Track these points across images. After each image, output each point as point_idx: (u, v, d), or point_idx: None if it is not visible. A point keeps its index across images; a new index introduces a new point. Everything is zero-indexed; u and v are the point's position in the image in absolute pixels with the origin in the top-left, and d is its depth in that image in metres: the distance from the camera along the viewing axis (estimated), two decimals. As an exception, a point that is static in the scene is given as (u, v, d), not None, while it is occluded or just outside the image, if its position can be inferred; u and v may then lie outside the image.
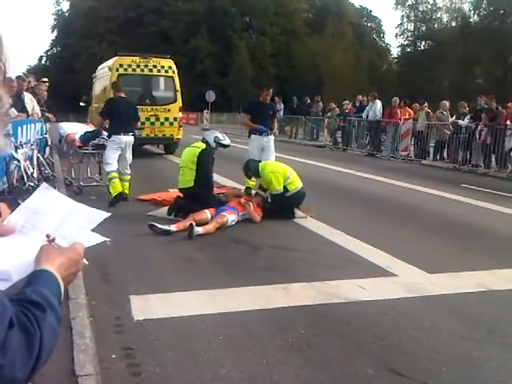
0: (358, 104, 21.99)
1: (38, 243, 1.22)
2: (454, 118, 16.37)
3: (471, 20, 57.09)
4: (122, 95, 9.36)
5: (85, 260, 1.28)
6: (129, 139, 8.95)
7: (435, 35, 59.64)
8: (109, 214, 1.43)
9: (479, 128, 14.83)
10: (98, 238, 1.39)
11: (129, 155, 9.08)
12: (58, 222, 1.33)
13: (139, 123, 9.93)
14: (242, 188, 9.56)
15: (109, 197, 8.58)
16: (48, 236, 1.25)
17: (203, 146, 8.08)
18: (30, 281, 1.11)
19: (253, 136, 9.71)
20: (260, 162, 8.64)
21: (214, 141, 8.22)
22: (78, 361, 3.27)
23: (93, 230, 1.39)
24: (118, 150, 8.86)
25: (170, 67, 16.25)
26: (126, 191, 8.99)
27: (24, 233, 1.30)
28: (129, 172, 9.09)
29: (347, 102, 22.49)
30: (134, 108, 9.40)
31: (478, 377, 3.47)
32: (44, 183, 1.61)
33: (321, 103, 25.99)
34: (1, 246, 1.24)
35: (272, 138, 9.78)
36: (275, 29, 63.34)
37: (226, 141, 8.41)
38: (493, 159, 14.99)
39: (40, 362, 1.00)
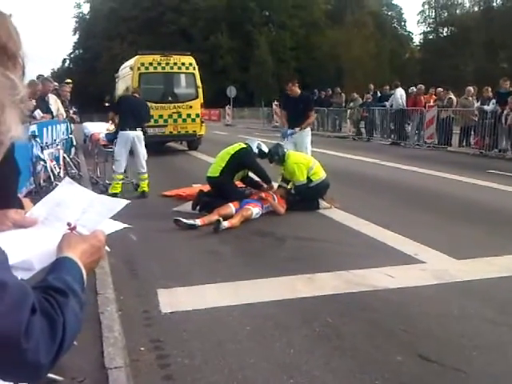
0: (378, 94, 21.78)
1: (60, 233, 1.24)
2: (479, 103, 16.10)
3: (494, 4, 55.96)
4: (135, 95, 9.72)
5: (107, 247, 1.29)
6: (136, 134, 9.06)
7: (457, 21, 58.62)
8: (128, 202, 1.45)
9: (505, 112, 14.55)
10: (119, 225, 1.40)
11: (141, 151, 9.15)
12: (80, 213, 1.35)
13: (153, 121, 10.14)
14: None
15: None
16: (69, 224, 1.26)
17: (245, 146, 8.17)
18: (52, 268, 1.12)
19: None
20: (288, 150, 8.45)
21: (257, 147, 8.28)
22: (108, 354, 3.31)
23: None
24: (126, 145, 9.02)
25: (190, 64, 16.31)
26: (146, 189, 9.06)
27: (46, 224, 1.32)
28: (144, 170, 9.13)
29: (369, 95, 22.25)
30: (145, 107, 9.60)
31: (510, 361, 3.41)
32: (67, 177, 1.63)
33: (343, 94, 25.81)
34: (24, 236, 1.26)
35: (302, 133, 9.33)
36: (295, 21, 63.03)
37: (266, 150, 8.42)
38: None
39: (63, 347, 1.01)
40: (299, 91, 9.48)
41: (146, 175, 9.16)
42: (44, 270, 1.17)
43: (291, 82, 9.47)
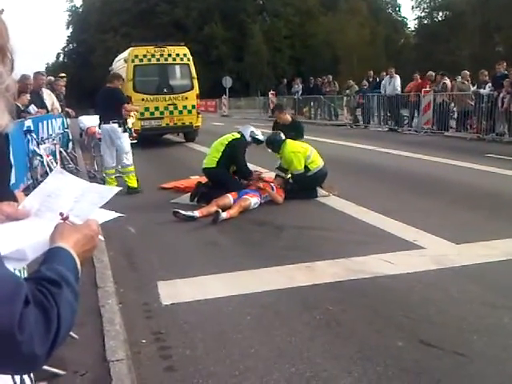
0: (371, 80, 21.75)
1: (52, 224, 1.23)
2: (476, 87, 16.06)
3: (488, -13, 55.67)
4: (108, 85, 9.14)
5: (100, 236, 1.29)
6: (110, 127, 8.76)
7: (452, 5, 58.24)
8: (119, 189, 1.45)
9: (501, 96, 14.52)
10: (112, 214, 1.40)
11: (120, 143, 8.79)
12: (72, 203, 1.34)
13: (132, 107, 9.61)
14: (264, 171, 9.53)
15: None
16: (61, 214, 1.26)
17: (238, 135, 8.18)
18: (45, 259, 1.12)
19: None
20: (284, 133, 8.32)
21: (250, 135, 8.24)
22: (110, 347, 3.31)
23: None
24: (105, 140, 8.93)
25: (185, 55, 16.23)
26: (132, 184, 8.72)
27: (39, 215, 1.32)
28: (128, 163, 8.80)
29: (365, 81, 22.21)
30: (113, 94, 8.96)
31: (511, 344, 3.42)
32: (57, 167, 1.62)
33: (336, 83, 25.67)
34: (16, 228, 1.25)
35: None
36: (289, 10, 62.73)
37: (261, 136, 8.40)
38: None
39: (59, 338, 1.01)
40: (290, 118, 9.29)
41: (130, 168, 8.80)
42: (37, 260, 1.16)
43: (278, 111, 9.23)
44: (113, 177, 9.05)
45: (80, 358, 3.20)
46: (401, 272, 4.72)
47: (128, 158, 8.81)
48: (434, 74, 18.39)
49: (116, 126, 8.76)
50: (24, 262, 1.16)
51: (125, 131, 8.87)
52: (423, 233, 5.88)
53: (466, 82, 16.73)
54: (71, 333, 3.16)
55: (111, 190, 1.39)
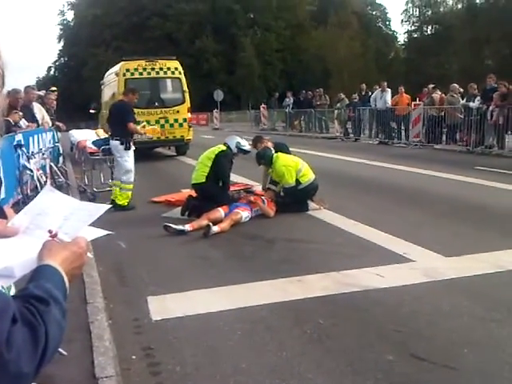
0: (363, 94, 21.90)
1: (41, 241, 1.23)
2: (465, 100, 16.21)
3: (477, 1, 56.33)
4: (121, 98, 9.16)
5: (89, 254, 1.29)
6: (113, 143, 8.67)
7: (441, 19, 58.90)
8: (109, 207, 1.44)
9: (490, 109, 14.65)
10: (101, 232, 1.40)
11: (120, 161, 8.62)
12: (61, 220, 1.34)
13: (137, 130, 8.91)
14: (254, 184, 9.55)
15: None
16: (50, 231, 1.26)
17: (224, 147, 8.12)
18: (33, 276, 1.12)
19: None
20: (276, 152, 8.30)
21: (236, 146, 8.22)
22: (99, 363, 3.29)
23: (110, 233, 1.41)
24: (114, 155, 8.84)
25: (176, 68, 16.27)
26: (121, 202, 8.51)
27: (28, 233, 1.32)
28: (127, 180, 8.57)
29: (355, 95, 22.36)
30: (120, 109, 8.80)
31: (501, 357, 3.43)
32: (47, 185, 1.63)
33: (327, 96, 25.80)
34: (5, 245, 1.25)
35: None
36: (280, 23, 63.19)
37: (247, 147, 8.38)
38: (506, 139, 14.82)
39: (47, 355, 1.01)
40: (271, 144, 8.79)
41: (127, 186, 8.59)
42: (25, 277, 1.16)
43: (258, 142, 8.76)
44: (127, 193, 8.69)
45: (69, 374, 3.17)
46: (391, 285, 4.73)
47: (129, 177, 8.58)
48: (426, 88, 18.63)
49: (118, 143, 8.59)
50: (11, 280, 1.16)
51: (128, 149, 8.57)
52: (413, 246, 5.90)
53: (455, 96, 16.87)
54: (60, 349, 3.13)
55: (100, 208, 1.39)
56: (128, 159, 8.61)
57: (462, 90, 17.40)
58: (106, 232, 1.42)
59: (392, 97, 19.66)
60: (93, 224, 1.37)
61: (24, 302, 1.02)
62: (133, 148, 8.72)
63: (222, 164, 7.97)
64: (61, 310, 1.08)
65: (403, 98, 19.10)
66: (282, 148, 8.79)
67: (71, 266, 1.19)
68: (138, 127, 9.02)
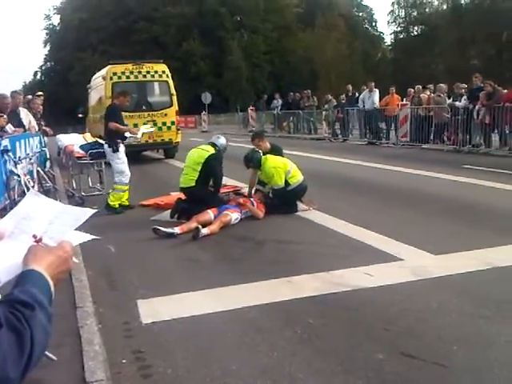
0: (350, 95, 21.97)
1: (26, 246, 1.23)
2: (451, 100, 16.33)
3: (462, 2, 56.77)
4: (114, 101, 9.22)
5: (74, 258, 1.28)
6: (104, 148, 8.82)
7: (427, 20, 59.30)
8: (95, 211, 1.44)
9: (477, 108, 14.77)
10: (87, 237, 1.39)
11: (112, 164, 8.68)
12: (47, 225, 1.33)
13: (122, 128, 8.78)
14: (244, 186, 9.54)
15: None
16: (35, 236, 1.25)
17: (212, 150, 8.00)
18: (18, 281, 1.12)
19: None
20: (264, 154, 8.27)
21: (223, 145, 8.21)
22: (89, 368, 3.27)
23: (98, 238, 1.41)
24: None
25: (163, 71, 16.24)
26: (113, 204, 8.52)
27: (13, 238, 1.31)
28: (119, 181, 8.55)
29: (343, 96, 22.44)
30: (106, 112, 8.95)
31: (489, 353, 3.46)
32: (32, 189, 1.62)
33: (314, 97, 25.87)
34: None
35: None
36: (267, 26, 63.22)
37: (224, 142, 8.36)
38: (493, 138, 14.95)
39: (32, 360, 1.00)
40: (269, 146, 8.85)
41: (121, 187, 8.59)
42: (10, 282, 1.15)
43: (258, 139, 8.84)
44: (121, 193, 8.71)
45: (59, 379, 3.16)
46: (380, 284, 4.75)
47: (121, 179, 8.54)
48: (412, 89, 18.73)
49: (106, 146, 8.67)
50: None
51: (116, 151, 8.53)
52: (402, 244, 5.93)
53: (441, 95, 16.98)
54: (50, 354, 3.11)
55: (87, 212, 1.39)
56: (119, 161, 8.58)
57: (445, 88, 17.52)
58: (92, 237, 1.41)
59: (380, 97, 19.75)
60: (81, 227, 1.37)
61: (9, 307, 1.02)
62: (122, 149, 8.66)
63: (214, 168, 7.92)
64: (46, 314, 1.08)
65: (394, 99, 19.17)
66: (277, 150, 8.78)
67: (56, 270, 1.19)
68: (143, 126, 9.07)
